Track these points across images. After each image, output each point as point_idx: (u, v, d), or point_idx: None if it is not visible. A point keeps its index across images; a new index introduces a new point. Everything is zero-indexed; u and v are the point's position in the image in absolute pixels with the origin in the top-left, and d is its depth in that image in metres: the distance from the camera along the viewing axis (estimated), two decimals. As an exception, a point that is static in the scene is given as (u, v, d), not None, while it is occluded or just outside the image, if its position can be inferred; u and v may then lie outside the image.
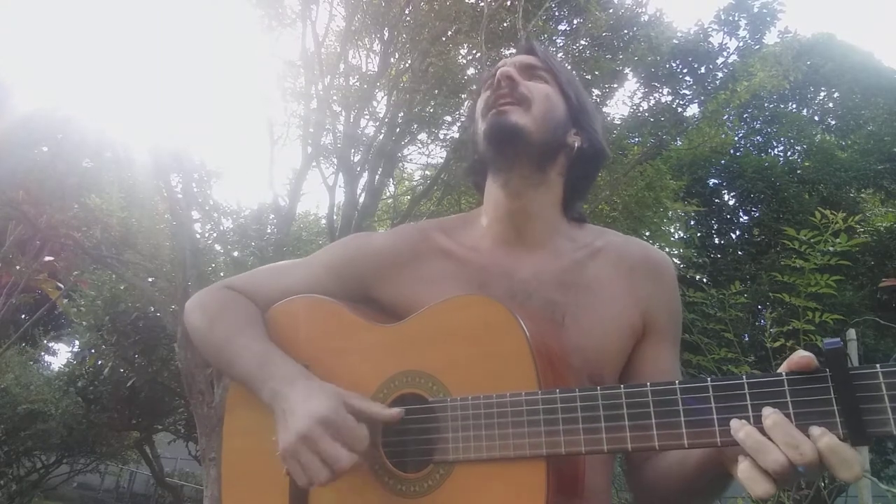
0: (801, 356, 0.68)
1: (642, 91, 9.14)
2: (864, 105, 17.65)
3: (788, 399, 0.67)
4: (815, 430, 0.65)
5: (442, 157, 7.57)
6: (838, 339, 0.66)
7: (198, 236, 5.69)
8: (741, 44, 11.34)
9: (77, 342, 11.42)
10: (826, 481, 3.85)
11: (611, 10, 7.81)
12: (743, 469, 0.68)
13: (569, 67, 1.17)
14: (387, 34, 6.77)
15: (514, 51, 1.16)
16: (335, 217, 6.86)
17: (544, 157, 1.01)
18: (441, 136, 7.54)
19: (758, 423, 0.67)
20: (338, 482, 0.89)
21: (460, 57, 7.20)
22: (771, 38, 12.93)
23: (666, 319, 1.02)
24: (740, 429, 0.68)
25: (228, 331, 1.02)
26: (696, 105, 9.97)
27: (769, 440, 0.66)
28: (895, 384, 0.63)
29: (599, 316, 0.97)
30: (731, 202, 14.23)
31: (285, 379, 0.91)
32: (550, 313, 0.96)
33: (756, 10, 11.66)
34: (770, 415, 0.67)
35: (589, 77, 7.32)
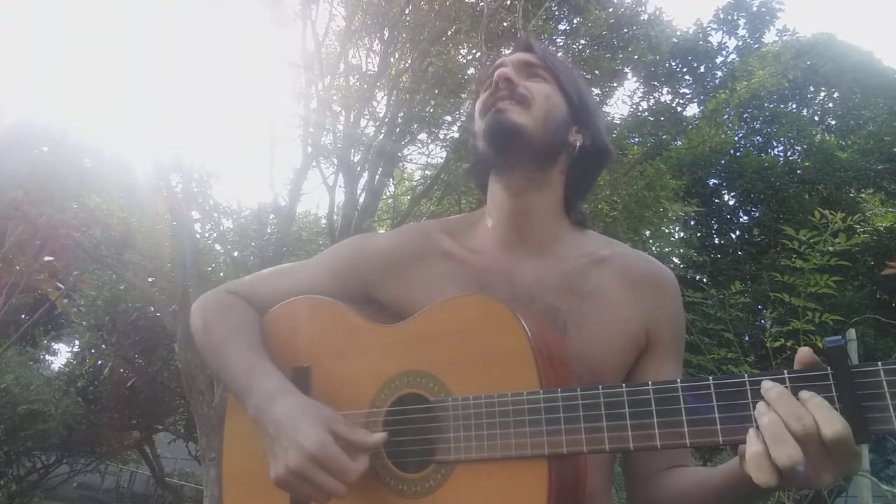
0: (801, 351, 0.69)
1: (642, 90, 9.15)
2: (864, 105, 17.64)
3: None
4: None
5: (442, 157, 7.58)
6: (839, 336, 0.66)
7: (198, 236, 5.69)
8: (740, 43, 11.36)
9: (77, 342, 11.42)
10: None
11: (610, 10, 7.82)
12: (754, 453, 0.66)
13: (569, 64, 1.15)
14: (387, 34, 6.77)
15: (511, 49, 1.14)
16: (335, 217, 6.86)
17: (546, 157, 1.00)
18: (441, 136, 7.55)
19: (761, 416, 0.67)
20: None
21: (460, 57, 7.20)
22: (770, 37, 12.95)
23: (669, 334, 1.01)
24: (765, 414, 0.67)
25: (221, 338, 1.02)
26: (695, 104, 9.98)
27: (790, 434, 0.65)
28: None
29: (602, 324, 0.96)
30: (731, 202, 14.25)
31: (266, 396, 0.90)
32: (552, 319, 0.95)
33: (755, 9, 11.68)
34: (773, 387, 0.67)
35: (589, 76, 7.33)
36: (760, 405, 0.68)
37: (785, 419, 0.65)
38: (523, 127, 0.97)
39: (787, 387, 0.68)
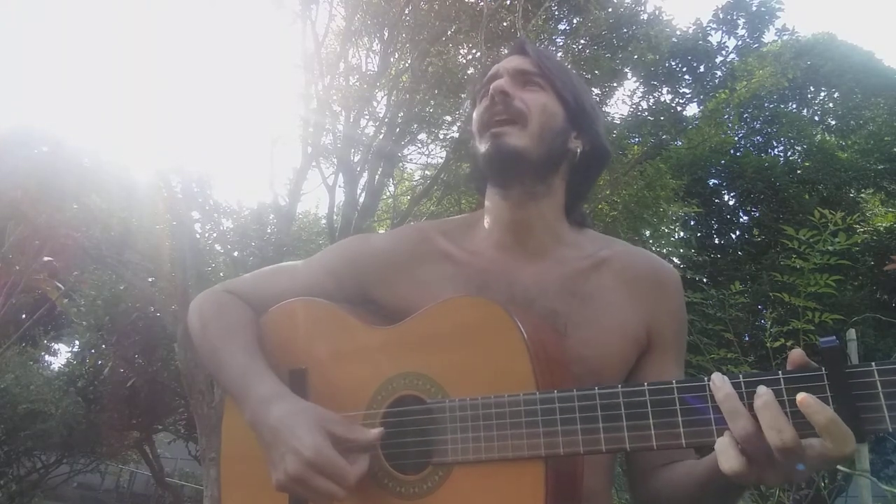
0: (793, 353, 0.70)
1: (642, 90, 9.15)
2: (864, 105, 17.61)
3: (785, 398, 0.67)
4: (811, 401, 0.65)
5: (442, 157, 7.58)
6: (834, 336, 0.67)
7: (198, 236, 5.68)
8: (740, 43, 11.36)
9: (77, 342, 11.40)
10: (826, 481, 3.85)
11: (610, 9, 7.82)
12: (721, 440, 0.69)
13: (567, 65, 1.15)
14: (387, 34, 6.77)
15: (506, 51, 1.15)
16: (335, 217, 6.87)
17: (546, 169, 1.01)
18: (441, 136, 7.55)
19: (752, 412, 0.68)
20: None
21: (460, 57, 7.20)
22: (770, 37, 12.94)
23: (670, 333, 1.01)
24: (721, 388, 0.69)
25: (218, 338, 1.01)
26: (695, 104, 9.98)
27: (744, 408, 0.67)
28: (890, 382, 0.64)
29: (602, 326, 0.96)
30: (731, 202, 14.22)
31: (262, 401, 0.90)
32: (552, 322, 0.95)
33: (755, 8, 11.67)
34: (763, 394, 0.68)
35: (589, 76, 7.33)
36: (715, 376, 0.71)
37: (726, 418, 0.68)
38: (522, 150, 0.97)
39: (781, 388, 0.68)
